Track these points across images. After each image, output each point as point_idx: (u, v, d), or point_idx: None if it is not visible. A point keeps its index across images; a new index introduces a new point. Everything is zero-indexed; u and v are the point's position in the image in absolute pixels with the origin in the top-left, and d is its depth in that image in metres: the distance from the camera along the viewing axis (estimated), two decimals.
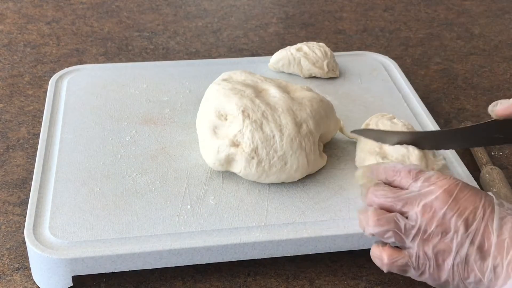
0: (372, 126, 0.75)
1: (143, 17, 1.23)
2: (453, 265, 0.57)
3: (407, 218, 0.59)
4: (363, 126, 0.77)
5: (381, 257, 0.60)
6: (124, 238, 0.64)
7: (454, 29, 1.24)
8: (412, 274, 0.60)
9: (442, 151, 0.77)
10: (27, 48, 1.10)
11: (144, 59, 1.08)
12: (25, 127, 0.89)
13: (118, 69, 0.93)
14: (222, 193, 0.70)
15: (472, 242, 0.57)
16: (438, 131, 0.78)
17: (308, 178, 0.72)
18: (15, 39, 1.13)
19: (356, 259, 0.70)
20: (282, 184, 0.71)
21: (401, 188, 0.62)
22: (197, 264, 0.65)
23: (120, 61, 1.07)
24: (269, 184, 0.71)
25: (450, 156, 0.77)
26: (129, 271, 0.64)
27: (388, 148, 0.71)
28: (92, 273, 0.63)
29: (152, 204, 0.68)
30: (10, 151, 0.84)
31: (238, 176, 0.72)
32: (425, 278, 0.59)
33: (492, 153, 0.88)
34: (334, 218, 0.67)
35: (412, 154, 0.70)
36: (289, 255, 0.66)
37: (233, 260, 0.65)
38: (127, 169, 0.73)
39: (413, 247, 0.58)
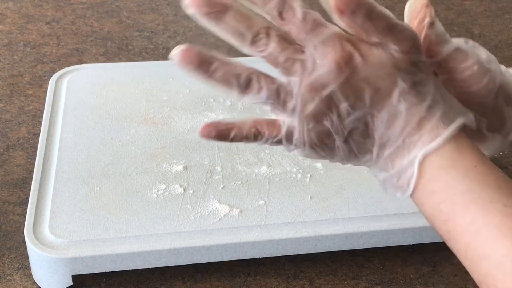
0: None
1: (143, 17, 1.23)
2: None
3: None
4: None
5: None
6: (124, 237, 0.64)
7: (454, 29, 1.24)
8: None
9: None
10: (27, 48, 1.10)
11: (144, 59, 1.08)
12: (25, 127, 0.89)
13: (118, 69, 0.93)
14: (222, 192, 0.70)
15: None
16: None
17: (307, 178, 0.72)
18: (15, 39, 1.13)
19: (356, 259, 0.70)
20: (282, 183, 0.72)
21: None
22: (197, 264, 0.65)
23: (120, 61, 1.07)
24: (269, 183, 0.71)
25: None
26: (129, 270, 0.65)
27: None
28: (92, 272, 0.63)
29: (152, 203, 0.68)
30: (10, 150, 0.84)
31: (238, 175, 0.72)
32: None
33: None
34: (334, 218, 0.67)
35: None
36: (289, 255, 0.66)
37: (233, 259, 0.65)
38: (127, 168, 0.73)
39: None
